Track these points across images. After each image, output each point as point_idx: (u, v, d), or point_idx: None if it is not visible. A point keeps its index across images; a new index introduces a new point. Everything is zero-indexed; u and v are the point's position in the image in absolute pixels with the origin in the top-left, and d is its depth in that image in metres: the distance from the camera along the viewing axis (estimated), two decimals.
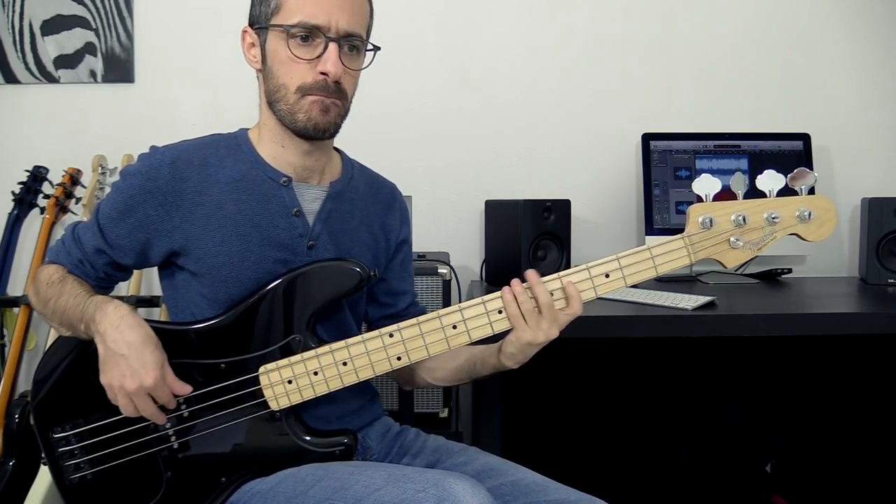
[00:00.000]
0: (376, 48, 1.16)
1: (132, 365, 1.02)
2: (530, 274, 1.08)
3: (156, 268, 1.19)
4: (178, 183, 1.11)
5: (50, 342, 1.14)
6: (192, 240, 1.12)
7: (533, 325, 1.07)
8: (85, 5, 2.12)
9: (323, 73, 1.08)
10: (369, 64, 1.17)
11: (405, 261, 1.34)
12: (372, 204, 1.26)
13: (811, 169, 2.03)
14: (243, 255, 1.12)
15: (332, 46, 1.08)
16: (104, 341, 1.03)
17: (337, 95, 1.11)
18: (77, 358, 1.10)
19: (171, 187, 1.11)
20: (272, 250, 1.13)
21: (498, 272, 1.96)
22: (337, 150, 1.26)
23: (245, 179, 1.14)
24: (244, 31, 1.16)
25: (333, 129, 1.13)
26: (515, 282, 1.09)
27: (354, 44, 1.12)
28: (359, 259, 1.15)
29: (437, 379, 1.28)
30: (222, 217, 1.12)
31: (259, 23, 1.13)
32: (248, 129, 1.21)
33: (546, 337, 1.08)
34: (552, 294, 1.07)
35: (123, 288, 1.92)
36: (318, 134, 1.12)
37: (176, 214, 1.12)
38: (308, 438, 1.12)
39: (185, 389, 1.07)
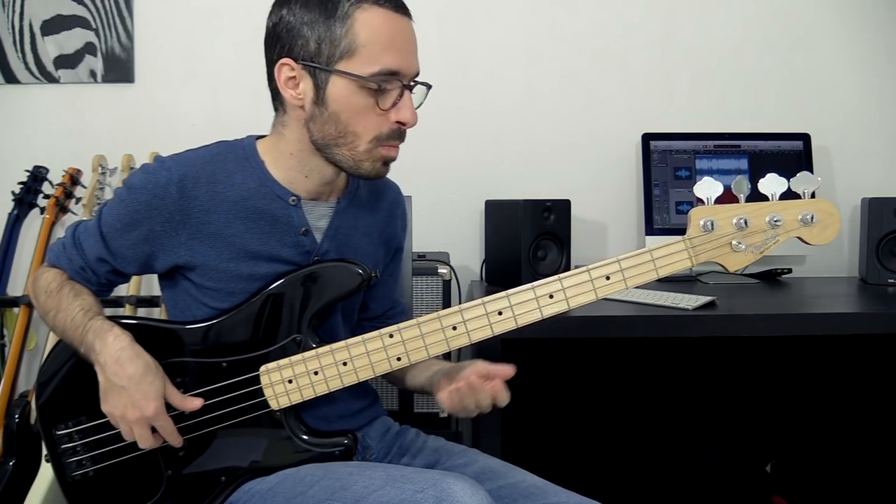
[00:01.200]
0: (429, 86, 1.13)
1: (133, 396, 1.02)
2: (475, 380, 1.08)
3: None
4: (186, 202, 1.09)
5: (51, 342, 1.15)
6: (198, 257, 1.10)
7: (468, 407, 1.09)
8: (85, 5, 2.12)
9: (399, 122, 1.06)
10: (423, 101, 1.13)
11: (395, 267, 1.34)
12: (374, 213, 1.26)
13: (811, 169, 2.06)
14: (252, 271, 1.11)
15: (408, 94, 1.06)
16: (104, 372, 1.04)
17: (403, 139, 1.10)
18: (81, 358, 1.10)
19: (179, 206, 1.09)
20: (280, 267, 1.12)
21: (498, 272, 1.96)
22: None
23: (253, 197, 1.11)
24: (282, 64, 1.05)
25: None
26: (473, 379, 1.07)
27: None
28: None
29: (396, 381, 1.31)
30: (231, 236, 1.10)
31: (316, 62, 1.03)
32: (256, 139, 1.17)
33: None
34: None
35: (123, 288, 1.92)
36: (374, 180, 1.14)
37: (183, 232, 1.10)
38: (308, 438, 1.12)
39: (194, 404, 1.07)
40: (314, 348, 1.10)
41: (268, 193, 1.12)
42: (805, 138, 2.09)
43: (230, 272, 1.11)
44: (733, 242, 1.07)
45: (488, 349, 1.25)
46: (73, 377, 1.12)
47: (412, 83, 1.08)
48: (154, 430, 1.06)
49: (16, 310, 1.98)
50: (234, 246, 1.10)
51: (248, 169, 1.13)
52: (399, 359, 1.10)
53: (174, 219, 1.09)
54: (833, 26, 2.16)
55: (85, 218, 1.99)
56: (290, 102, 1.08)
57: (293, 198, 1.13)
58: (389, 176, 1.31)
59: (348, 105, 1.04)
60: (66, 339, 1.11)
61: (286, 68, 1.06)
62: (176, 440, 1.07)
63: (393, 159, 1.11)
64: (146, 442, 1.05)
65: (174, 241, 1.10)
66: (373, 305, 1.32)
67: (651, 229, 2.04)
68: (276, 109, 1.13)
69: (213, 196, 1.10)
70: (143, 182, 1.09)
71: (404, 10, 1.08)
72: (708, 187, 1.08)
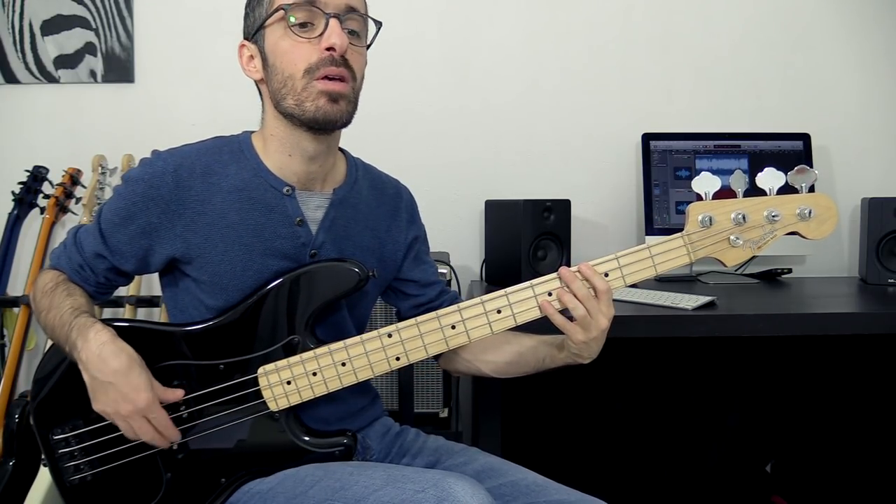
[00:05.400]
0: (378, 23, 1.11)
1: (122, 390, 1.02)
2: (584, 267, 1.07)
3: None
4: (182, 192, 1.10)
5: (50, 343, 1.14)
6: (194, 248, 1.11)
7: (594, 312, 1.08)
8: (85, 5, 2.12)
9: (329, 49, 1.04)
10: (373, 40, 1.13)
11: (418, 255, 1.32)
12: (376, 207, 1.25)
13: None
14: (245, 265, 1.11)
15: (333, 21, 1.05)
16: (87, 370, 1.03)
17: (346, 70, 1.06)
18: (73, 361, 1.09)
19: (174, 196, 1.10)
20: (275, 260, 1.12)
21: (498, 272, 1.96)
22: (342, 150, 1.25)
23: (248, 188, 1.12)
24: (241, 46, 1.13)
25: (345, 120, 1.09)
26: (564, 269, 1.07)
27: (354, 28, 1.09)
28: (360, 262, 1.14)
29: (494, 371, 1.26)
30: (225, 227, 1.11)
31: (254, 28, 1.10)
32: (251, 133, 1.18)
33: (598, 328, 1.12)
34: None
35: (123, 288, 1.92)
36: (328, 125, 1.08)
37: (178, 223, 1.10)
38: (307, 439, 1.12)
39: (175, 395, 1.07)
40: (312, 349, 1.10)
41: (262, 184, 1.13)
42: (805, 138, 2.09)
43: (224, 264, 1.11)
44: (731, 238, 1.06)
45: None
46: (67, 381, 1.10)
47: (342, 14, 1.06)
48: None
49: (16, 310, 1.98)
50: (228, 237, 1.11)
51: (242, 160, 1.14)
52: (398, 358, 1.10)
53: (170, 209, 1.10)
54: (833, 26, 2.16)
55: (85, 218, 2.00)
56: (253, 79, 1.14)
57: (287, 188, 1.14)
58: (389, 173, 1.32)
59: (278, 50, 1.08)
60: (55, 338, 1.10)
61: (244, 49, 1.14)
62: (172, 433, 1.06)
63: (337, 94, 1.06)
64: (148, 434, 1.04)
65: (170, 232, 1.11)
66: (423, 292, 1.31)
67: (651, 229, 2.04)
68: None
69: (209, 186, 1.11)
70: (139, 174, 1.11)
71: None
72: (706, 182, 1.07)
